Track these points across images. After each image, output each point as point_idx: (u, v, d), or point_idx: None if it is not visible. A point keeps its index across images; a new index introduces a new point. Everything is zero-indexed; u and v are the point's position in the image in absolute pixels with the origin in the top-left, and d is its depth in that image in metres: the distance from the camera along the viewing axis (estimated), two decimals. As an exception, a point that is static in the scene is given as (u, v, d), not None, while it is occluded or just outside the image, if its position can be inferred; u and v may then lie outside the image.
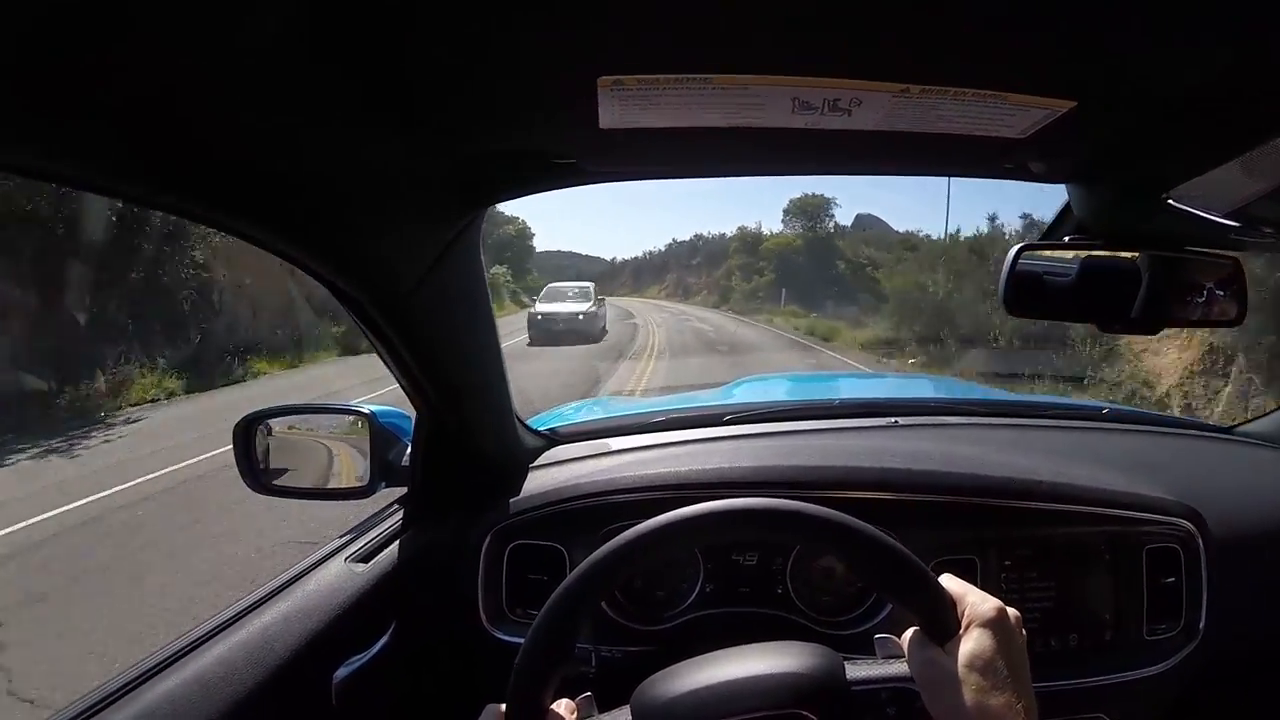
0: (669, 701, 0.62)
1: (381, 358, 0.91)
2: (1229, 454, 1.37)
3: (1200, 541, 1.11)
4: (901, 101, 0.59)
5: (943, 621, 0.62)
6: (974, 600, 0.62)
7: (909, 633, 0.65)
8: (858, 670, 0.64)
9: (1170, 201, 0.79)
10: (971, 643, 0.59)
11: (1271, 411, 1.47)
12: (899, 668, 0.63)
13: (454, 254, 0.81)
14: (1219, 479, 1.26)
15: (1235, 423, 1.50)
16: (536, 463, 1.26)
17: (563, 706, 0.65)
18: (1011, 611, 0.62)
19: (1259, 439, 1.41)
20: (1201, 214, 0.82)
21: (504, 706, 0.63)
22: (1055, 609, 1.09)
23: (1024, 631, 0.63)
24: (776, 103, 0.59)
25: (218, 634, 0.86)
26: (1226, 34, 0.51)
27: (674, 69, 0.54)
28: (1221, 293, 1.01)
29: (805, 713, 0.60)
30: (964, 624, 0.61)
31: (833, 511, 0.64)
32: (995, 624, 0.60)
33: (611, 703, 0.66)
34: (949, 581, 0.64)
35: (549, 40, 0.52)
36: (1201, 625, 1.10)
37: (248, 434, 1.19)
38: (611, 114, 0.60)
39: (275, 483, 1.21)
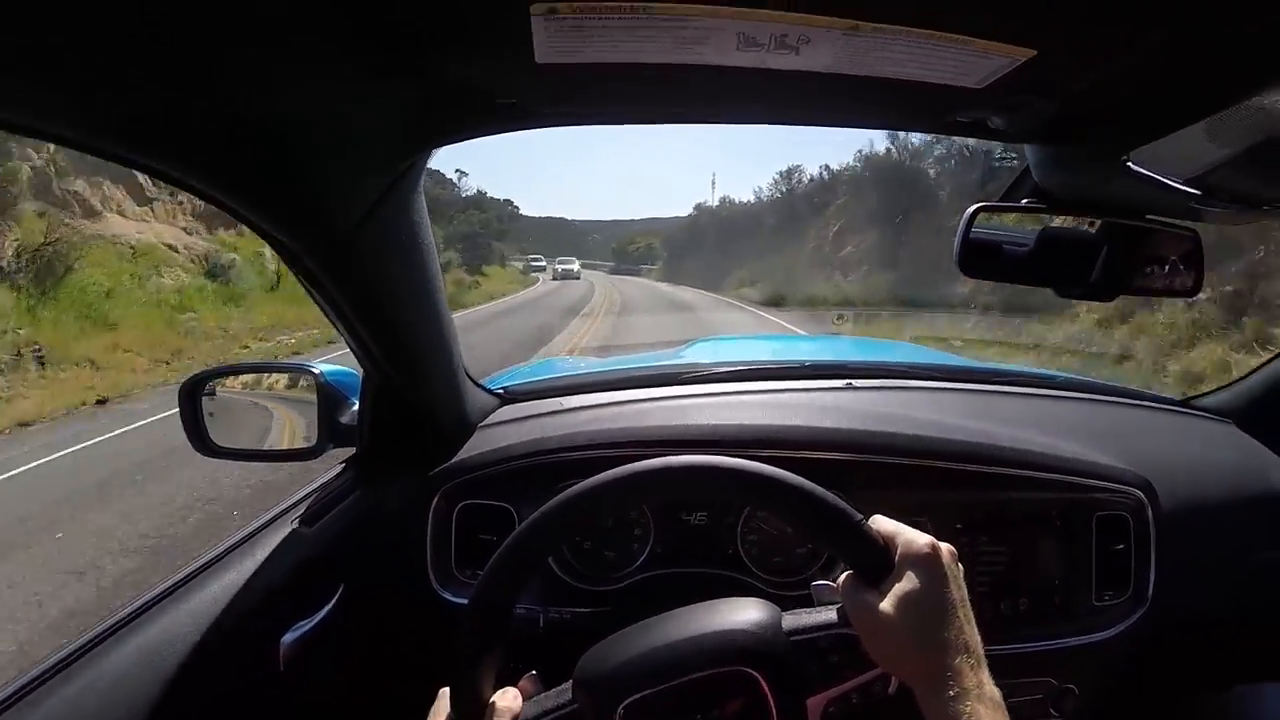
0: (609, 671, 0.62)
1: (322, 310, 0.87)
2: (1181, 426, 1.39)
3: (1150, 510, 1.12)
4: (852, 40, 0.56)
5: (874, 562, 0.61)
6: (906, 538, 0.62)
7: (843, 576, 0.64)
8: (796, 620, 0.64)
9: (1130, 165, 0.78)
10: (905, 581, 0.59)
11: (1223, 386, 1.49)
12: (836, 613, 0.63)
13: (394, 199, 0.77)
14: (1170, 450, 1.27)
15: (1188, 396, 1.52)
16: (487, 421, 1.24)
17: (510, 694, 0.64)
18: (945, 546, 0.61)
19: (1210, 412, 1.43)
20: (1161, 179, 0.81)
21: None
22: (1006, 574, 1.10)
23: (961, 566, 0.62)
24: (720, 38, 0.56)
25: (162, 600, 0.84)
26: None
27: None
28: (1179, 264, 1.01)
29: (747, 669, 0.60)
30: (897, 563, 0.61)
31: (754, 463, 0.64)
32: (928, 560, 0.60)
33: (563, 664, 0.65)
34: (881, 522, 0.64)
35: None
36: (1150, 592, 1.11)
37: (193, 395, 1.17)
38: (548, 47, 0.57)
39: (222, 444, 1.18)
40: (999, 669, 0.58)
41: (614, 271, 63.85)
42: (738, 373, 1.42)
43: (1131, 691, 1.22)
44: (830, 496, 0.63)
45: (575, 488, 0.64)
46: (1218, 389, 1.50)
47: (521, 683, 0.66)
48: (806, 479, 0.63)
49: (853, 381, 1.37)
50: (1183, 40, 0.56)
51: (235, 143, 0.58)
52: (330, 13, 0.52)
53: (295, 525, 1.01)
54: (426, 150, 0.79)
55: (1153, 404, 1.45)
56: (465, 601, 1.04)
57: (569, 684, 0.63)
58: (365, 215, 0.74)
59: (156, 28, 0.44)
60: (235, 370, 1.33)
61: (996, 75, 0.62)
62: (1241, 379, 1.47)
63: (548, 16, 0.52)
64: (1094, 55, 0.61)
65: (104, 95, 0.48)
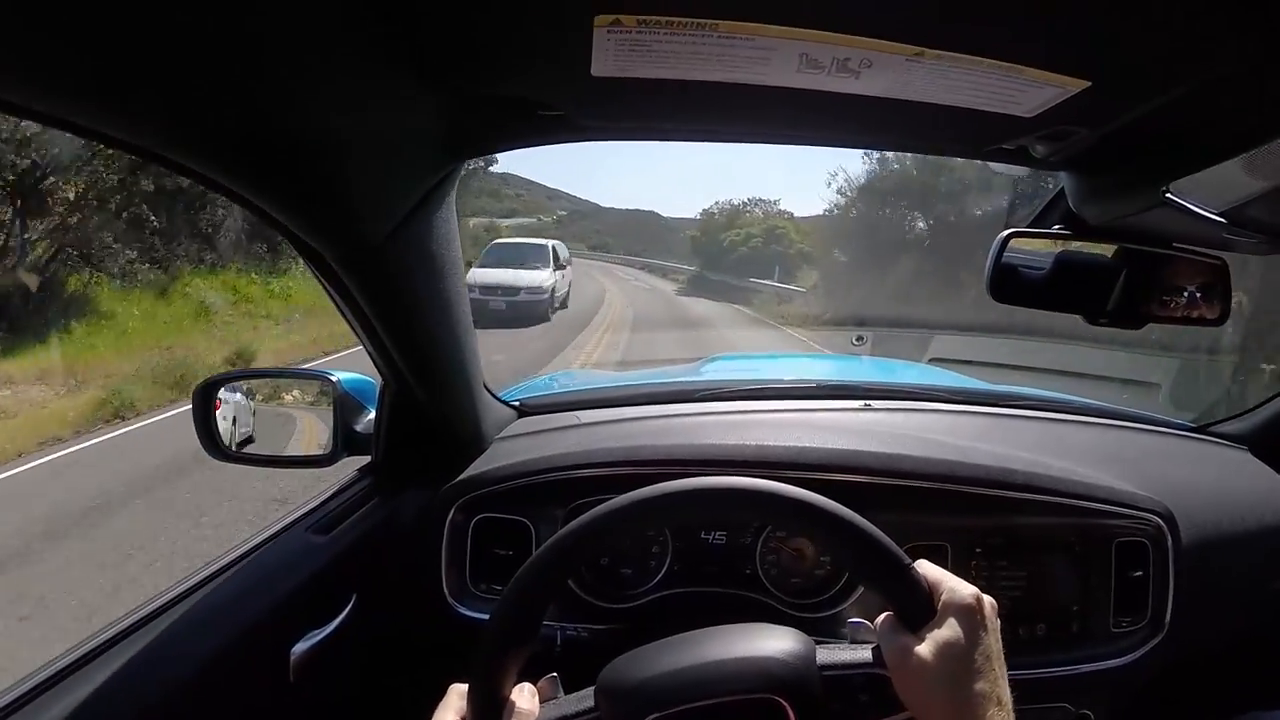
0: (637, 684, 0.61)
1: (346, 319, 0.87)
2: (1199, 452, 1.39)
3: (1169, 537, 1.12)
4: (913, 67, 0.56)
5: (917, 608, 0.61)
6: (950, 586, 0.61)
7: (882, 617, 0.64)
8: (830, 655, 0.63)
9: (1169, 195, 0.77)
10: (946, 630, 0.59)
11: (1242, 413, 1.48)
12: (871, 653, 0.62)
13: (427, 209, 0.76)
14: (1189, 476, 1.27)
15: (1207, 422, 1.52)
16: (504, 434, 1.24)
17: (526, 691, 0.63)
18: (987, 600, 0.61)
19: (1229, 439, 1.43)
20: (1197, 210, 0.81)
21: (466, 687, 0.61)
22: (1024, 598, 1.09)
23: (999, 620, 0.62)
24: (783, 58, 0.56)
25: (171, 608, 0.83)
26: (1255, 25, 0.49)
27: (678, 11, 0.50)
28: (1207, 293, 1.01)
29: (776, 698, 0.59)
30: (939, 611, 0.60)
31: (809, 493, 0.63)
32: (970, 612, 0.59)
33: (577, 682, 0.65)
34: (925, 567, 0.63)
35: None
36: (1167, 619, 1.11)
37: (207, 399, 1.16)
38: (606, 59, 0.56)
39: (235, 449, 1.17)
40: (1017, 694, 0.58)
41: (691, 290, 28.35)
42: (755, 391, 1.41)
43: (1148, 717, 1.21)
44: (882, 536, 0.62)
45: (633, 494, 0.63)
46: (1233, 416, 1.49)
47: (540, 683, 0.65)
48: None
49: (870, 403, 1.37)
50: (1232, 76, 0.56)
51: (275, 150, 0.57)
52: (381, 22, 0.51)
53: (309, 533, 1.00)
54: (462, 160, 0.78)
55: (1169, 430, 1.45)
56: (480, 616, 1.04)
57: (591, 690, 0.62)
58: (399, 225, 0.73)
59: (200, 32, 0.43)
60: (251, 375, 1.33)
61: (1048, 105, 0.62)
62: (1257, 406, 1.46)
63: (611, 29, 0.52)
64: (1145, 89, 0.61)
65: (147, 98, 0.47)
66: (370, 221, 0.71)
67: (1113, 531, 1.12)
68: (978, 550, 1.09)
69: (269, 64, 0.49)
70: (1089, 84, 0.57)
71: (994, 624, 0.61)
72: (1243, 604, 1.23)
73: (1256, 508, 1.25)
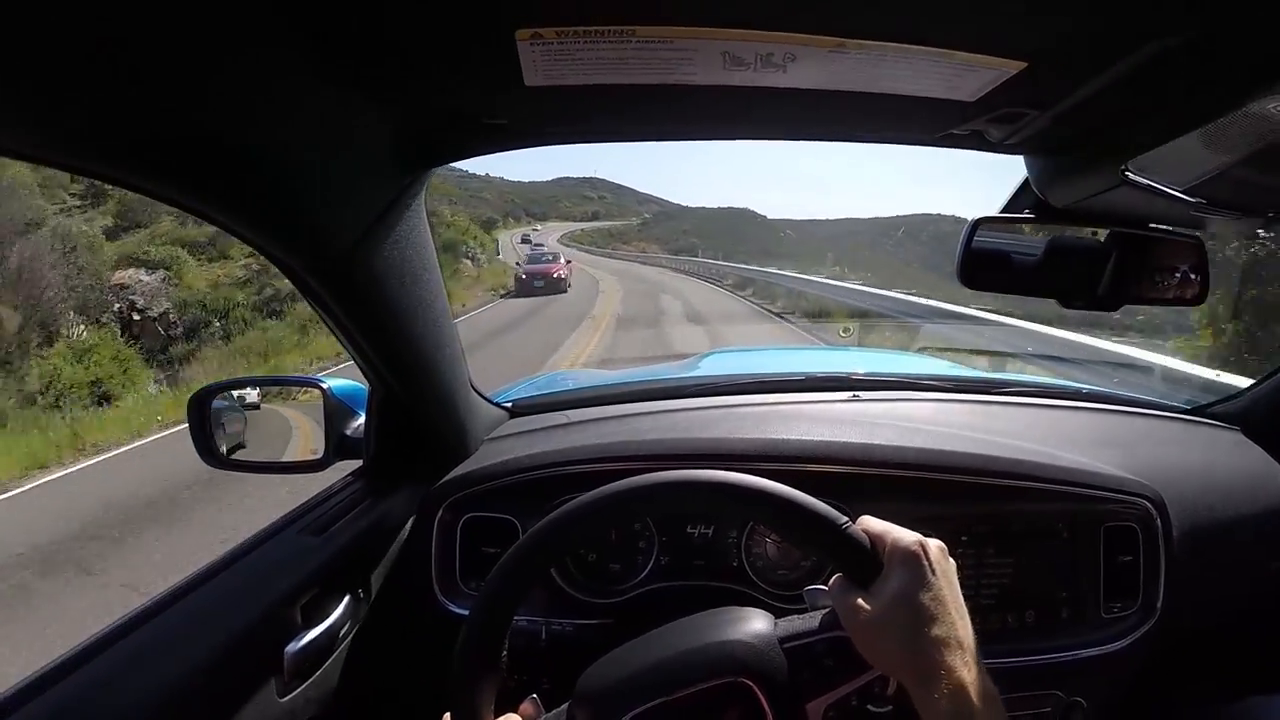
0: (607, 689, 0.62)
1: (328, 326, 0.89)
2: (1190, 435, 1.38)
3: (1159, 521, 1.11)
4: (839, 58, 0.57)
5: (861, 563, 0.61)
6: (894, 537, 0.61)
7: (833, 579, 0.64)
8: (789, 627, 0.64)
9: (1128, 174, 0.78)
10: (894, 580, 0.59)
11: (1234, 395, 1.48)
12: (829, 617, 0.63)
13: (394, 218, 0.78)
14: (1180, 459, 1.26)
15: (1200, 404, 1.51)
16: (494, 434, 1.25)
17: None
18: (934, 543, 0.61)
19: (1223, 420, 1.42)
20: (1160, 188, 0.81)
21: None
22: (1012, 585, 1.09)
23: (952, 561, 0.62)
24: (705, 58, 0.57)
25: (164, 608, 0.84)
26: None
27: (593, 21, 0.51)
28: (1184, 272, 1.01)
29: (742, 680, 0.60)
30: (885, 563, 0.60)
31: (732, 474, 0.64)
32: (914, 558, 0.59)
33: (564, 676, 0.66)
34: (869, 522, 0.64)
35: None
36: (1159, 603, 1.10)
37: (202, 407, 1.18)
38: (535, 70, 0.58)
39: (230, 456, 1.20)
40: (1007, 682, 0.58)
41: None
42: (742, 385, 1.42)
43: (1140, 704, 1.20)
44: (812, 501, 0.63)
45: (556, 511, 0.64)
46: (1227, 398, 1.48)
47: (523, 706, 0.66)
48: (804, 490, 0.63)
49: (858, 393, 1.37)
50: (1174, 51, 0.56)
51: (230, 166, 0.59)
52: (314, 40, 0.53)
53: (301, 535, 1.02)
54: (421, 171, 0.80)
55: (1161, 413, 1.44)
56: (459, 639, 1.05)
57: (567, 705, 0.63)
58: (364, 234, 0.75)
59: (143, 57, 0.45)
60: (244, 383, 1.35)
61: (988, 88, 0.63)
62: (1250, 387, 1.45)
63: (533, 41, 0.53)
64: (1086, 67, 0.61)
65: (99, 120, 0.49)
66: (334, 232, 0.73)
67: (1101, 516, 1.11)
68: (964, 538, 1.09)
69: (213, 82, 0.51)
70: (1025, 64, 0.58)
71: (944, 566, 0.60)
72: (1237, 586, 1.22)
73: (1249, 489, 1.24)
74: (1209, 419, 1.43)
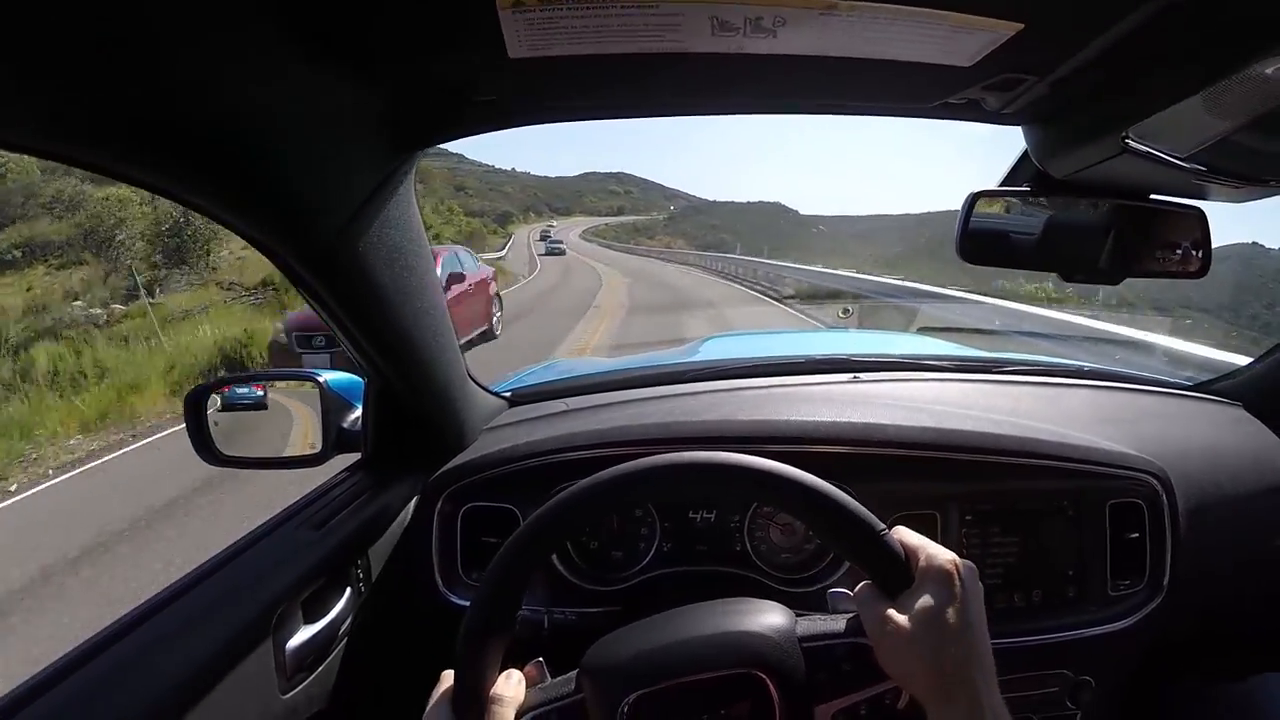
0: (618, 663, 0.61)
1: (319, 314, 0.88)
2: (1193, 411, 1.37)
3: (1164, 497, 1.10)
4: (831, 20, 0.55)
5: (894, 575, 0.61)
6: (928, 553, 0.61)
7: (860, 586, 0.64)
8: (810, 626, 0.63)
9: (1129, 142, 0.77)
10: (924, 596, 0.58)
11: (1238, 371, 1.47)
12: (852, 623, 0.62)
13: (381, 202, 0.77)
14: (1183, 435, 1.25)
15: (1203, 380, 1.50)
16: (493, 424, 1.24)
17: (513, 678, 0.63)
18: (966, 564, 0.61)
19: (1225, 396, 1.41)
20: (1162, 156, 0.80)
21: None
22: (1018, 564, 1.09)
23: (980, 585, 0.61)
24: (693, 23, 0.56)
25: (165, 604, 0.84)
26: None
27: None
28: (1187, 245, 1.00)
29: (756, 672, 0.59)
30: (917, 577, 0.60)
31: (778, 464, 0.62)
32: (947, 577, 0.59)
33: (566, 666, 0.65)
34: (904, 534, 0.63)
35: None
36: (1165, 580, 1.10)
37: (198, 405, 1.17)
38: (519, 41, 0.57)
39: (228, 453, 1.19)
40: (1015, 662, 0.58)
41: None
42: (742, 369, 1.41)
43: (1148, 682, 1.20)
44: (853, 503, 0.62)
45: (589, 479, 0.63)
46: (1230, 374, 1.47)
47: (527, 668, 0.65)
48: (819, 476, 0.63)
49: (858, 374, 1.36)
50: (1174, 11, 0.55)
51: (213, 150, 0.58)
52: (292, 18, 0.52)
53: (301, 529, 1.01)
54: (409, 154, 0.79)
55: (1164, 389, 1.43)
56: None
57: (574, 673, 0.62)
58: (351, 219, 0.74)
59: (119, 37, 0.44)
60: (240, 379, 1.34)
61: (985, 51, 0.61)
62: (1253, 363, 1.45)
63: (515, 10, 0.52)
64: (1084, 28, 0.60)
65: (76, 106, 0.48)
66: (321, 218, 0.72)
67: (1107, 493, 1.10)
68: (968, 517, 1.08)
69: (191, 62, 0.50)
70: (1022, 26, 0.57)
71: (974, 588, 0.60)
72: (1244, 562, 1.22)
73: (1253, 465, 1.24)
74: (1211, 395, 1.42)
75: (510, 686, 0.62)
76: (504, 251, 47.98)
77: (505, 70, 0.63)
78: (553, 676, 0.65)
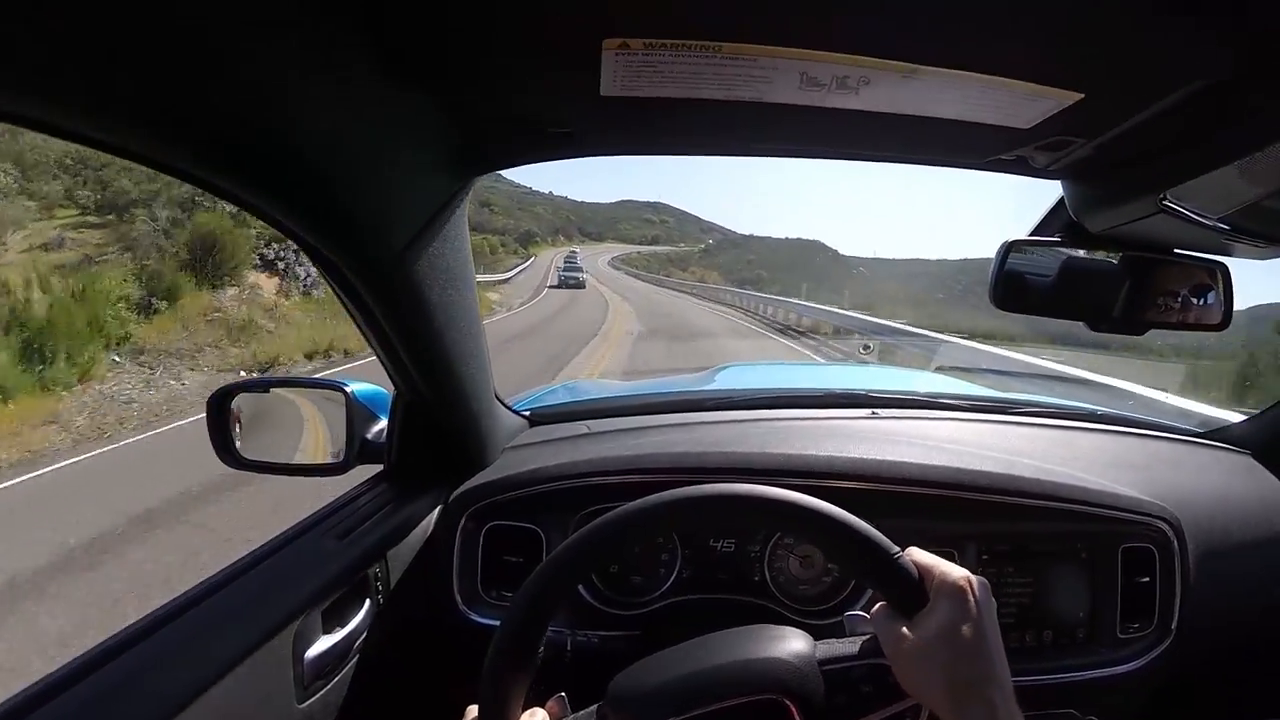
0: (640, 696, 0.62)
1: (360, 329, 0.89)
2: (1204, 458, 1.39)
3: (1175, 542, 1.12)
4: (910, 83, 0.57)
5: (910, 595, 0.62)
6: (942, 571, 0.62)
7: (877, 607, 0.65)
8: (829, 650, 0.64)
9: (1166, 202, 0.79)
10: (939, 614, 0.59)
11: (1248, 420, 1.49)
12: (870, 644, 0.63)
13: (440, 222, 0.79)
14: (1194, 482, 1.27)
15: (1212, 428, 1.52)
16: (515, 443, 1.25)
17: (538, 716, 0.64)
18: (978, 580, 0.61)
19: (1234, 444, 1.43)
20: (1195, 217, 0.82)
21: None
22: (1031, 605, 1.10)
23: (994, 600, 0.62)
24: (784, 77, 0.58)
25: (184, 610, 0.84)
26: (1240, 32, 0.50)
27: (683, 34, 0.52)
28: (1208, 298, 1.02)
29: (779, 698, 0.60)
30: (932, 596, 0.61)
31: (794, 493, 0.64)
32: (961, 594, 0.60)
33: (588, 688, 0.66)
34: (917, 554, 0.64)
35: (555, 1, 0.51)
36: (1174, 625, 1.11)
37: (221, 407, 1.17)
38: (614, 80, 0.58)
39: (249, 457, 1.19)
40: (1023, 700, 0.59)
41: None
42: (763, 400, 1.42)
43: None
44: (866, 527, 0.63)
45: (612, 513, 0.64)
46: (1240, 422, 1.49)
47: (550, 704, 0.66)
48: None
49: (877, 410, 1.38)
50: (1218, 86, 0.57)
51: (288, 162, 0.59)
52: (390, 42, 0.53)
53: (325, 538, 1.01)
54: (475, 175, 0.80)
55: (1175, 435, 1.45)
56: (491, 622, 1.05)
57: (596, 707, 0.63)
58: (412, 240, 0.75)
59: (216, 57, 0.45)
60: (265, 384, 1.34)
61: (1044, 116, 0.64)
62: (1263, 412, 1.47)
63: (619, 52, 0.54)
64: (1136, 99, 0.62)
65: (168, 114, 0.49)
66: (386, 235, 0.73)
67: (1118, 537, 1.12)
68: (984, 556, 1.10)
69: (283, 86, 0.51)
70: (1082, 95, 0.59)
71: (988, 604, 0.61)
72: (1251, 610, 1.23)
73: (1261, 513, 1.25)
74: (1221, 443, 1.44)
75: None
76: (513, 273, 42.05)
77: (591, 107, 0.64)
78: (574, 700, 0.66)
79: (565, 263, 45.02)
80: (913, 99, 0.61)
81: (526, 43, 0.55)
